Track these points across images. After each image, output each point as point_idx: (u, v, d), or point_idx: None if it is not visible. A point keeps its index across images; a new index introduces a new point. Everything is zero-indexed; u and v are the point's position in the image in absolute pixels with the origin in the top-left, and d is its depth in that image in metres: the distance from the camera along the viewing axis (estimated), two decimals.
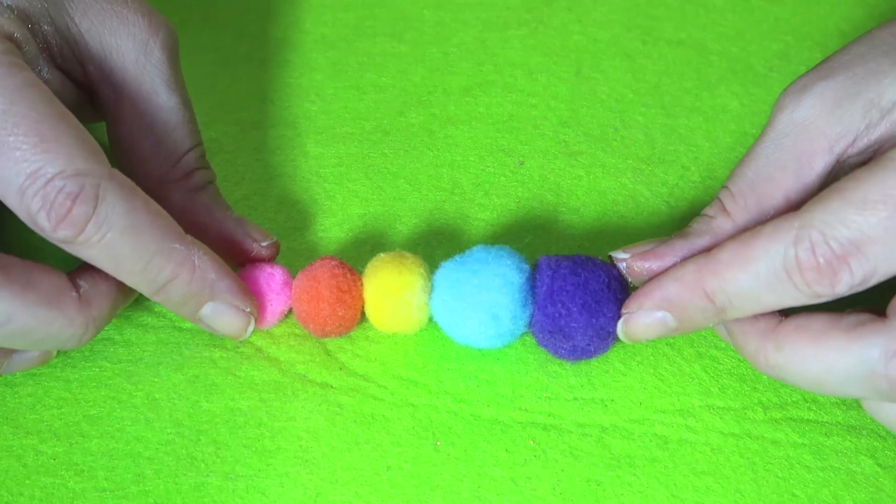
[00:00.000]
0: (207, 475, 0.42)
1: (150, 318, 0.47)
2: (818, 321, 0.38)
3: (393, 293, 0.44)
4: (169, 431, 0.43)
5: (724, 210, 0.42)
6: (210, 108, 0.57)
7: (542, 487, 0.42)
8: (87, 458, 0.43)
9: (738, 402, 0.44)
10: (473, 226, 0.51)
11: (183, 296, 0.42)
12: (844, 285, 0.37)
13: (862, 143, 0.40)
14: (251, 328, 0.44)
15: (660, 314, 0.41)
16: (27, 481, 0.42)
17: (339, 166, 0.54)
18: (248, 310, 0.44)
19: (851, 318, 0.38)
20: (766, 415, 0.44)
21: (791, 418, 0.44)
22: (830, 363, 0.38)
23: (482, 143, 0.54)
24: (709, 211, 0.43)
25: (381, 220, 0.51)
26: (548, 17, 0.61)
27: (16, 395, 0.45)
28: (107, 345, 0.46)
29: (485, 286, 0.43)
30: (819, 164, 0.41)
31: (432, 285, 0.45)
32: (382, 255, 0.45)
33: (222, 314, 0.43)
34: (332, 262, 0.45)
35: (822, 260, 0.37)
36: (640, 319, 0.42)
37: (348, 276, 0.45)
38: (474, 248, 0.45)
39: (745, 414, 0.44)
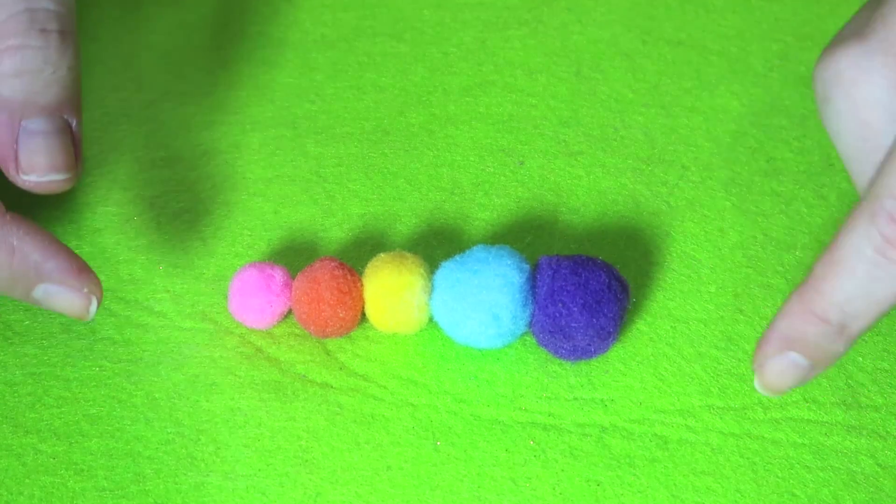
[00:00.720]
0: (207, 475, 0.42)
1: (150, 318, 0.47)
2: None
3: (393, 293, 0.44)
4: (169, 431, 0.43)
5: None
6: (210, 108, 0.57)
7: (542, 487, 0.42)
8: (87, 457, 0.43)
9: (738, 402, 0.44)
10: (473, 226, 0.51)
11: (6, 279, 0.40)
12: None
13: None
14: (94, 307, 0.42)
15: (789, 356, 0.38)
16: (27, 480, 0.42)
17: (339, 166, 0.54)
18: (86, 289, 0.42)
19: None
20: (766, 415, 0.44)
21: (791, 418, 0.44)
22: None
23: (482, 143, 0.54)
24: None
25: (381, 220, 0.51)
26: (548, 17, 0.61)
27: (15, 394, 0.45)
28: (107, 344, 0.46)
29: (485, 286, 0.43)
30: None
31: (432, 285, 0.45)
32: (382, 255, 0.45)
33: (56, 296, 0.41)
34: (332, 263, 0.45)
35: None
36: (772, 367, 0.39)
37: (348, 276, 0.45)
38: (474, 247, 0.45)
39: (745, 414, 0.44)
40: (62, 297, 0.41)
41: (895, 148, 0.37)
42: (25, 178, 0.42)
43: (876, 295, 0.37)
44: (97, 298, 0.42)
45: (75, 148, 0.42)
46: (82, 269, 0.42)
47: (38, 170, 0.42)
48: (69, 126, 0.43)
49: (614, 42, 0.59)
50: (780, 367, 0.38)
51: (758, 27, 0.60)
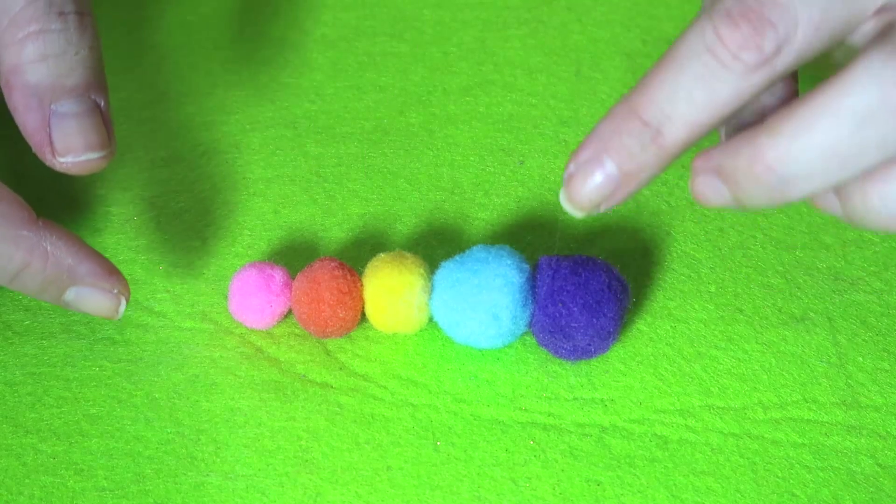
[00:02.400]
0: (207, 475, 0.42)
1: (150, 318, 0.47)
2: (802, 95, 0.35)
3: (393, 293, 0.44)
4: (169, 431, 0.43)
5: None
6: (210, 108, 0.57)
7: (542, 487, 0.42)
8: (87, 457, 0.43)
9: (738, 402, 0.44)
10: (473, 225, 0.51)
11: (39, 284, 0.41)
12: (770, 41, 0.34)
13: None
14: (122, 307, 0.43)
15: (602, 163, 0.36)
16: (27, 480, 0.42)
17: (339, 166, 0.54)
18: (116, 290, 0.42)
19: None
20: (766, 415, 0.44)
21: (791, 418, 0.44)
22: (836, 108, 0.34)
23: (482, 143, 0.54)
24: None
25: (381, 220, 0.51)
26: (548, 16, 0.61)
27: (15, 394, 0.45)
28: (107, 344, 0.46)
29: (485, 286, 0.43)
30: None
31: (432, 285, 0.45)
32: (382, 255, 0.45)
33: (87, 298, 0.42)
34: (332, 264, 0.45)
35: (740, 20, 0.34)
36: (582, 175, 0.37)
37: (348, 277, 0.45)
38: (474, 247, 0.45)
39: (745, 414, 0.44)
40: (93, 298, 0.42)
41: None
42: (62, 160, 0.42)
43: (696, 98, 0.35)
44: (125, 298, 0.43)
45: (106, 126, 0.42)
46: (112, 272, 0.42)
47: (73, 151, 0.42)
48: (98, 105, 0.43)
49: (614, 42, 0.59)
50: (591, 177, 0.37)
51: None
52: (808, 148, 0.34)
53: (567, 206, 0.38)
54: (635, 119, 0.36)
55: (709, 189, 0.37)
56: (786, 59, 0.35)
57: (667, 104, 0.35)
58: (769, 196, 0.35)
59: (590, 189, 0.37)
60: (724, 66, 0.35)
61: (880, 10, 0.35)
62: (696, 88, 0.35)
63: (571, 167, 0.37)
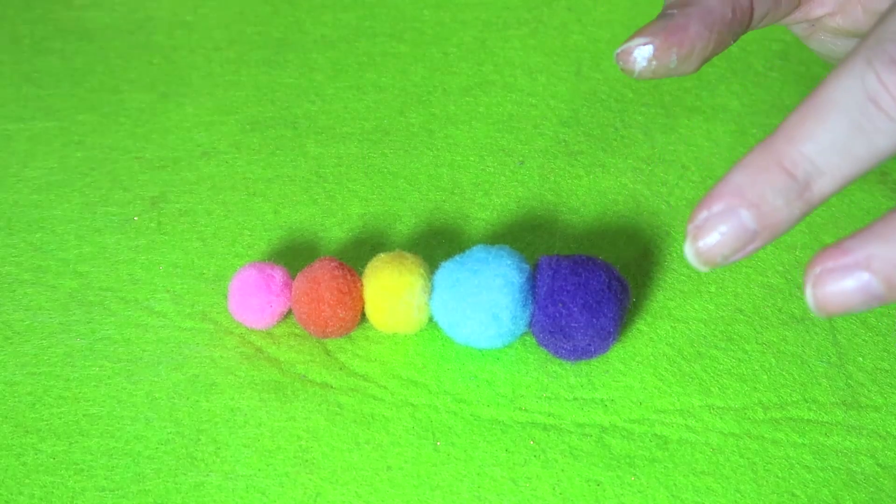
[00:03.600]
0: (207, 475, 0.42)
1: (150, 318, 0.47)
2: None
3: (393, 293, 0.44)
4: (169, 431, 0.43)
5: None
6: (210, 108, 0.57)
7: (542, 487, 0.42)
8: (87, 456, 0.43)
9: (738, 402, 0.44)
10: (473, 226, 0.51)
11: None
12: None
13: None
14: None
15: (738, 215, 0.33)
16: (27, 480, 0.42)
17: (339, 166, 0.54)
18: None
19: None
20: (766, 415, 0.44)
21: (791, 418, 0.44)
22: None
23: (482, 143, 0.54)
24: None
25: (381, 220, 0.51)
26: (548, 16, 0.61)
27: (15, 394, 0.45)
28: (107, 344, 0.46)
29: (485, 286, 0.43)
30: None
31: (432, 285, 0.45)
32: (382, 255, 0.45)
33: None
34: (332, 264, 0.45)
35: None
36: (714, 226, 0.34)
37: (348, 277, 0.45)
38: (474, 247, 0.45)
39: (745, 414, 0.44)
40: None
41: None
42: None
43: (855, 149, 0.32)
44: None
45: None
46: None
47: None
48: None
49: (614, 42, 0.59)
50: (724, 229, 0.34)
51: None
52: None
53: (692, 261, 0.35)
54: (780, 171, 0.33)
55: (852, 291, 0.33)
56: None
57: (819, 156, 0.33)
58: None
59: (722, 243, 0.34)
60: (887, 116, 0.32)
61: None
62: (854, 140, 0.32)
63: (699, 218, 0.34)
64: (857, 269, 0.32)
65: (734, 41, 0.40)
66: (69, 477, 0.42)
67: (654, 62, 0.39)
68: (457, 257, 0.45)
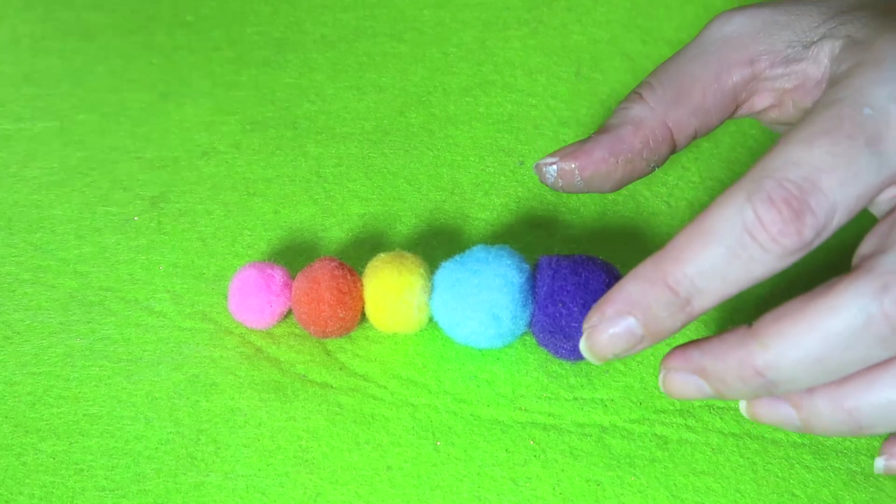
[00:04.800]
0: (207, 475, 0.42)
1: (150, 318, 0.47)
2: (791, 303, 0.36)
3: (393, 293, 0.44)
4: (169, 431, 0.43)
5: (642, 99, 0.43)
6: (210, 108, 0.57)
7: (542, 487, 0.42)
8: (87, 456, 0.43)
9: (738, 402, 0.44)
10: (473, 226, 0.51)
11: None
12: (810, 229, 0.35)
13: (778, 69, 0.42)
14: None
15: (625, 322, 0.38)
16: (27, 480, 0.42)
17: (339, 166, 0.54)
18: None
19: (822, 286, 0.36)
20: None
21: None
22: (826, 329, 0.35)
23: (482, 143, 0.54)
24: (625, 104, 0.43)
25: (381, 220, 0.51)
26: (548, 17, 0.61)
27: (15, 394, 0.45)
28: (106, 343, 0.46)
29: (485, 286, 0.43)
30: (737, 74, 0.42)
31: (432, 285, 0.45)
32: (382, 255, 0.45)
33: None
34: (332, 263, 0.45)
35: (783, 206, 0.35)
36: (605, 330, 0.38)
37: (348, 277, 0.45)
38: (474, 247, 0.45)
39: None
40: None
41: (791, 131, 0.36)
42: None
43: (730, 275, 0.36)
44: None
45: None
46: None
47: None
48: None
49: (614, 42, 0.59)
50: (615, 331, 0.38)
51: None
52: (797, 359, 0.35)
53: (586, 354, 0.39)
54: (665, 287, 0.37)
55: (688, 387, 0.38)
56: (822, 239, 0.36)
57: (699, 278, 0.36)
58: (754, 393, 0.37)
59: (612, 342, 0.38)
60: (762, 248, 0.35)
61: None
62: (731, 266, 0.36)
63: (594, 319, 0.38)
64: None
65: (654, 168, 0.43)
66: (69, 477, 0.42)
67: (559, 181, 0.43)
68: (457, 257, 0.45)
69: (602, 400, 0.44)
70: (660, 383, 0.39)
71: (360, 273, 0.45)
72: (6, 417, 0.44)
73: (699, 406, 0.44)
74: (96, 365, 0.46)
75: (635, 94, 0.43)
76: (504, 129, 0.55)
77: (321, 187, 0.53)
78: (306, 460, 0.43)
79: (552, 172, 0.43)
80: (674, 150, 0.43)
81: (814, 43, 0.41)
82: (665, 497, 0.41)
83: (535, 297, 0.44)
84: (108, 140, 0.55)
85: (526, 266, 0.44)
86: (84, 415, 0.44)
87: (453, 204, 0.52)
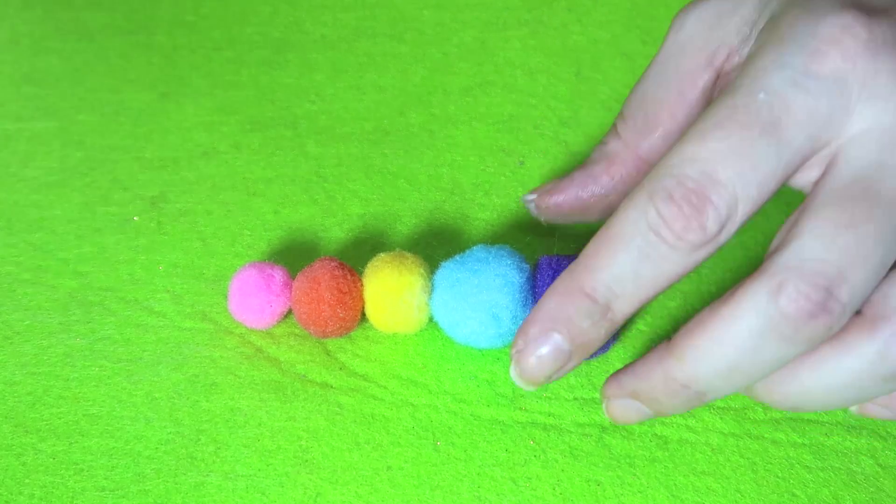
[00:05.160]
0: (207, 475, 0.42)
1: (150, 318, 0.47)
2: (701, 314, 0.36)
3: (393, 293, 0.44)
4: (169, 431, 0.43)
5: (616, 133, 0.43)
6: (210, 108, 0.57)
7: (542, 487, 0.42)
8: (87, 456, 0.43)
9: (738, 402, 0.44)
10: (473, 226, 0.51)
11: None
12: (713, 222, 0.35)
13: (735, 58, 0.41)
14: None
15: (551, 339, 0.37)
16: (26, 480, 0.42)
17: (339, 166, 0.54)
18: None
19: (728, 293, 0.36)
20: (766, 415, 0.44)
21: (791, 418, 0.44)
22: (732, 337, 0.35)
23: (482, 143, 0.54)
24: (604, 138, 0.44)
25: (381, 220, 0.51)
26: (548, 17, 0.61)
27: (15, 394, 0.45)
28: (107, 344, 0.46)
29: (485, 286, 0.43)
30: (700, 81, 0.41)
31: (432, 285, 0.45)
32: (382, 255, 0.45)
33: None
34: (333, 264, 0.45)
35: (682, 202, 0.35)
36: (531, 352, 0.37)
37: (348, 277, 0.45)
38: (474, 247, 0.45)
39: (745, 414, 0.44)
40: None
41: (690, 126, 0.36)
42: None
43: (644, 276, 0.36)
44: None
45: None
46: None
47: None
48: None
49: (614, 42, 0.59)
50: (542, 352, 0.37)
51: None
52: (713, 369, 0.35)
53: (518, 382, 0.38)
54: (583, 296, 0.36)
55: (629, 411, 0.38)
56: (729, 231, 0.36)
57: (614, 283, 0.36)
58: (688, 405, 0.37)
59: (541, 364, 0.37)
60: (669, 245, 0.35)
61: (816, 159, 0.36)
62: (643, 267, 0.36)
63: (520, 343, 0.38)
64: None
65: None
66: (69, 477, 0.42)
67: (541, 215, 0.46)
68: (457, 257, 0.45)
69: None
70: (604, 413, 0.39)
71: (361, 273, 0.45)
72: (6, 417, 0.44)
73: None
74: (96, 365, 0.46)
75: (612, 126, 0.44)
76: (504, 129, 0.55)
77: (321, 187, 0.53)
78: (306, 460, 0.43)
79: (532, 208, 0.45)
80: None
81: (755, 23, 0.40)
82: (665, 497, 0.41)
83: (535, 297, 0.44)
84: (108, 140, 0.55)
85: (526, 266, 0.44)
86: (84, 415, 0.44)
87: (453, 204, 0.52)
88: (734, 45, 0.41)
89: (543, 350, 0.37)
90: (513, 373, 0.38)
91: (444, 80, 0.58)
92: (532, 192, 0.46)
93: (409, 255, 0.45)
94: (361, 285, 0.45)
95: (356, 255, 0.49)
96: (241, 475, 0.42)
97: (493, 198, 0.52)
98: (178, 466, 0.42)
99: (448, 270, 0.44)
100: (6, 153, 0.55)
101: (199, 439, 0.43)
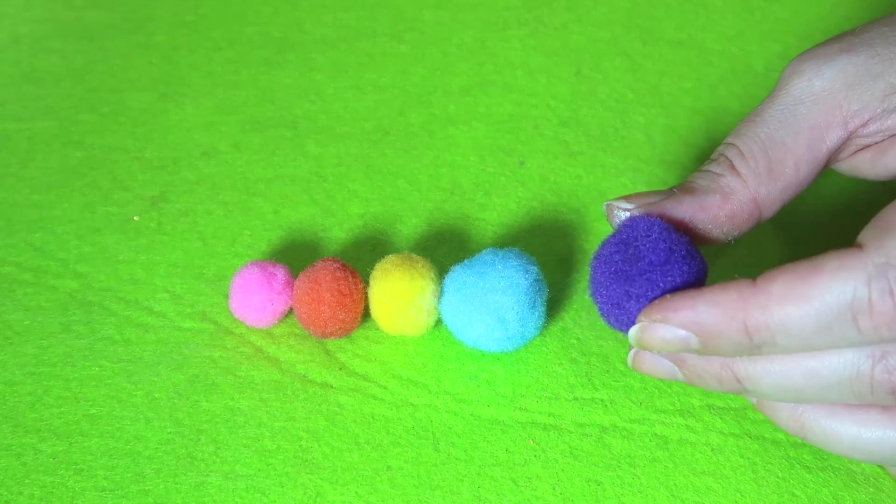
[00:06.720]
0: (207, 475, 0.42)
1: (149, 318, 0.47)
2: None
3: (404, 298, 0.44)
4: (169, 431, 0.43)
5: (734, 169, 0.40)
6: (210, 108, 0.57)
7: (542, 487, 0.42)
8: (87, 457, 0.43)
9: (738, 402, 0.44)
10: (474, 225, 0.51)
11: None
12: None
13: (874, 125, 0.39)
14: None
15: (684, 333, 0.36)
16: (26, 480, 0.42)
17: (339, 166, 0.54)
18: None
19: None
20: None
21: None
22: (814, 368, 0.35)
23: (482, 143, 0.54)
24: (714, 168, 0.40)
25: (381, 220, 0.51)
26: (548, 17, 0.61)
27: (15, 394, 0.45)
28: (106, 344, 0.46)
29: (490, 288, 0.43)
30: (831, 138, 0.39)
31: (441, 289, 0.45)
32: (391, 257, 0.45)
33: None
34: (334, 265, 0.45)
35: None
36: (661, 333, 0.36)
37: (349, 278, 0.45)
38: (483, 251, 0.45)
39: (745, 414, 0.44)
40: None
41: None
42: None
43: (813, 342, 0.35)
44: None
45: None
46: None
47: None
48: None
49: (614, 42, 0.59)
50: (671, 337, 0.36)
51: (758, 27, 0.60)
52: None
53: (632, 338, 0.38)
54: (742, 329, 0.35)
55: (658, 367, 0.38)
56: None
57: (781, 335, 0.35)
58: (734, 372, 0.37)
59: (663, 343, 0.37)
60: (857, 330, 0.34)
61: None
62: (819, 335, 0.34)
63: (658, 314, 0.37)
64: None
65: (731, 241, 0.41)
66: (69, 477, 0.42)
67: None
68: (466, 261, 0.45)
69: (602, 400, 0.44)
70: (629, 358, 0.39)
71: (362, 274, 0.45)
72: (6, 417, 0.44)
73: (699, 406, 0.44)
74: (96, 365, 0.46)
75: (724, 158, 0.40)
76: (504, 129, 0.55)
77: (321, 187, 0.53)
78: (306, 460, 0.43)
79: (621, 217, 0.41)
80: (756, 222, 0.41)
81: None
82: (665, 497, 0.41)
83: (635, 254, 0.39)
84: (108, 140, 0.55)
85: (533, 268, 0.44)
86: (84, 415, 0.44)
87: (453, 204, 0.52)
88: (876, 112, 0.39)
89: (673, 337, 0.36)
90: (632, 333, 0.38)
91: (444, 80, 0.58)
92: (628, 200, 0.41)
93: (417, 258, 0.45)
94: (363, 287, 0.45)
95: (356, 254, 0.49)
96: (241, 475, 0.42)
97: (493, 198, 0.52)
98: (178, 466, 0.42)
99: (456, 274, 0.44)
100: (6, 153, 0.55)
101: (199, 439, 0.43)
